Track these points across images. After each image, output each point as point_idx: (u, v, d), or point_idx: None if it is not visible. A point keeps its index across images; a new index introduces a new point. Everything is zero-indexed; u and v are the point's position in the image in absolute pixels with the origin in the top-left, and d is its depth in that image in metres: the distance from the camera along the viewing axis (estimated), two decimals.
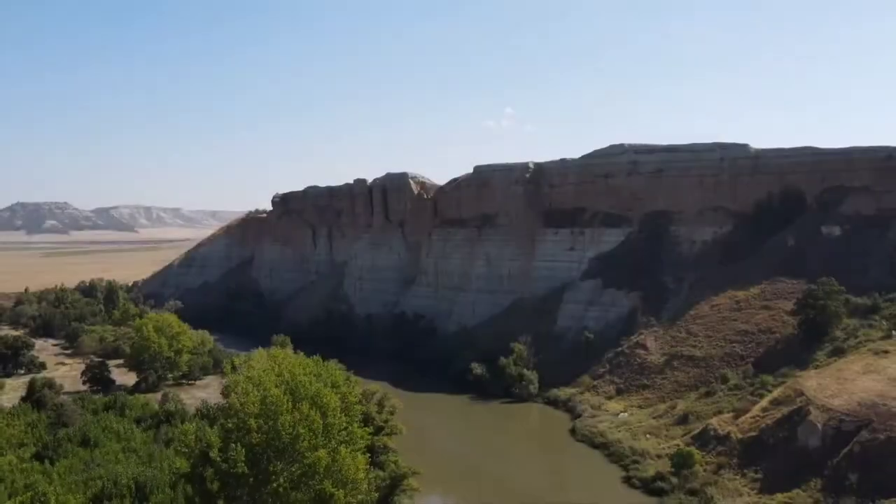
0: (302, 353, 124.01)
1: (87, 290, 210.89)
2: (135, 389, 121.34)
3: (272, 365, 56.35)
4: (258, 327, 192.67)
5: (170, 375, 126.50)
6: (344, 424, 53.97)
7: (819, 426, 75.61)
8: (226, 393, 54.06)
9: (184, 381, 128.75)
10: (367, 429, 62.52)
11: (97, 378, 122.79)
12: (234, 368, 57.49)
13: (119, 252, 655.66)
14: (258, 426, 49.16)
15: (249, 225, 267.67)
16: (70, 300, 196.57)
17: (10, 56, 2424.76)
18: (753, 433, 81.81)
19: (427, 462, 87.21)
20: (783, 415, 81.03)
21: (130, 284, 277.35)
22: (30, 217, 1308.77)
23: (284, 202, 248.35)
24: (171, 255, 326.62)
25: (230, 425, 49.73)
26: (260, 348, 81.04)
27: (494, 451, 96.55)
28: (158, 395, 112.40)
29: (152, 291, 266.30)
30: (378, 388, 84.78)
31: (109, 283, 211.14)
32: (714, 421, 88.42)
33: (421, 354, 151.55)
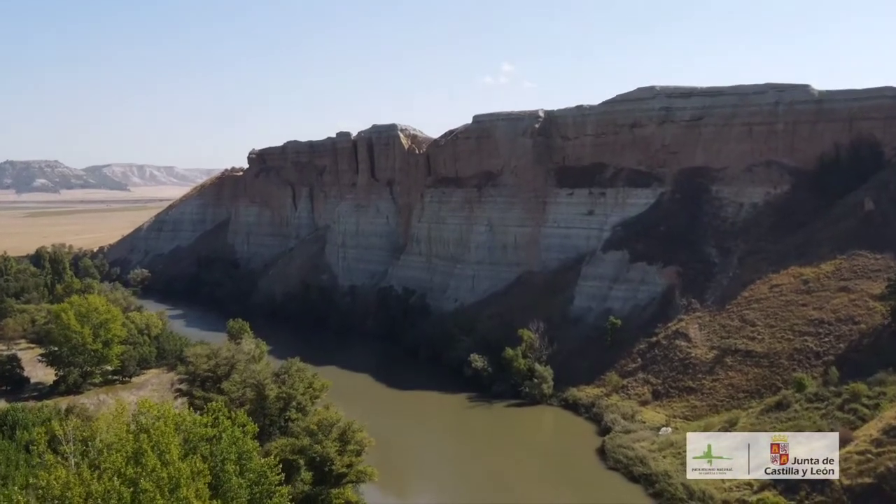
0: (263, 341, 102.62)
1: (36, 258, 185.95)
2: (53, 390, 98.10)
3: (126, 436, 31.96)
4: (230, 300, 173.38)
5: (97, 372, 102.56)
6: None
7: None
8: None
9: (116, 379, 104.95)
10: None
11: (5, 377, 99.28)
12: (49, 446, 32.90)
13: (107, 212, 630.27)
14: None
15: (225, 184, 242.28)
16: (14, 271, 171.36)
17: None
18: (867, 479, 58.33)
19: None
20: None
21: (96, 250, 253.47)
22: (19, 175, 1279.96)
23: (262, 159, 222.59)
24: None
25: None
26: (118, 397, 56.79)
27: (499, 487, 73.13)
28: (82, 400, 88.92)
29: (119, 258, 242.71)
30: (341, 415, 60.88)
31: (55, 249, 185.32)
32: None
33: (411, 337, 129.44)
